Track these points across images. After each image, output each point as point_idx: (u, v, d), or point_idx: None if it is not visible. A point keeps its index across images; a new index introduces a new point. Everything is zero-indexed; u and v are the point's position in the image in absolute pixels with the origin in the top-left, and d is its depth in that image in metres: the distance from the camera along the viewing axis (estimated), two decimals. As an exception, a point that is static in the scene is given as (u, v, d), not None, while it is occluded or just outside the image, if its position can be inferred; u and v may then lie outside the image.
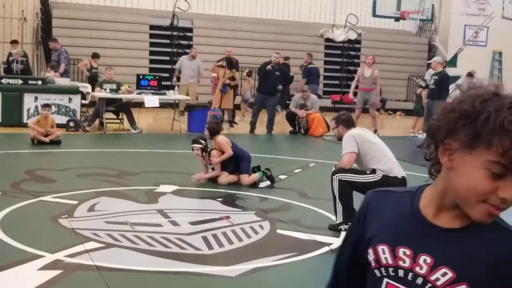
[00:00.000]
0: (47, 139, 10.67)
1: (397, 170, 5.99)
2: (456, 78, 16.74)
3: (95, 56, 16.61)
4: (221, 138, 8.08)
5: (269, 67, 14.38)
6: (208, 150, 8.05)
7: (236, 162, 8.08)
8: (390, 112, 23.05)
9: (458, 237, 1.37)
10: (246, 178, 7.97)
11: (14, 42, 16.96)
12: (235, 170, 8.08)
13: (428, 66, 16.91)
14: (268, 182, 8.16)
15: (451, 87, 16.41)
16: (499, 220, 1.38)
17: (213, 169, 8.08)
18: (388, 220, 1.46)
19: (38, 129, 10.79)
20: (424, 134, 10.83)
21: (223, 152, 7.96)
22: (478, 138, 1.29)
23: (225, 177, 7.94)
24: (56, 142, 10.77)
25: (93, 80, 15.30)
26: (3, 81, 12.91)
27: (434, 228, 1.39)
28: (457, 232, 1.37)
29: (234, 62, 16.16)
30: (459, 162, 1.33)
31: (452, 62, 21.56)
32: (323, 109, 18.14)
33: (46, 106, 11.42)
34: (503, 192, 1.29)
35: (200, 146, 7.95)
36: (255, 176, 8.03)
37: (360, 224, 1.52)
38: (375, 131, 14.12)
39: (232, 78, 14.75)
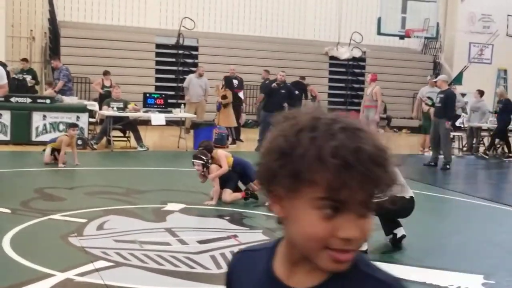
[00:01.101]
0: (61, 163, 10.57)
1: (405, 190, 5.99)
2: (463, 95, 16.78)
3: (106, 73, 16.68)
4: (220, 152, 8.07)
5: (274, 84, 14.46)
6: (209, 165, 7.95)
7: (241, 175, 8.06)
8: (395, 129, 23.07)
9: None
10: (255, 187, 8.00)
11: (24, 60, 17.11)
12: (236, 188, 8.09)
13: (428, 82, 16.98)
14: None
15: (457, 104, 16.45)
16: (365, 266, 1.18)
17: None
18: (246, 287, 1.29)
19: (62, 156, 10.50)
20: (431, 152, 10.84)
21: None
22: (298, 177, 1.09)
23: (229, 195, 7.90)
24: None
25: (106, 98, 15.35)
26: (12, 99, 13.00)
27: None
28: None
29: (238, 80, 16.27)
30: (290, 209, 1.13)
31: (458, 79, 21.60)
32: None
33: (74, 126, 11.25)
34: (343, 232, 1.09)
35: (201, 161, 7.83)
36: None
37: None
38: None
39: (224, 97, 14.92)
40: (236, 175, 8.02)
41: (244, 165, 8.07)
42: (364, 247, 5.72)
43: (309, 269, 1.17)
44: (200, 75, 16.44)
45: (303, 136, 1.10)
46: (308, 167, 1.08)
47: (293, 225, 1.14)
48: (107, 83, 16.43)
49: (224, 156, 8.00)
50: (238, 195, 8.03)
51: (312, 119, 1.13)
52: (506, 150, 16.23)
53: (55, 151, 10.63)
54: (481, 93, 16.79)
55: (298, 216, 1.12)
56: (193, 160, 7.90)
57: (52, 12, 20.07)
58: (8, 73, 14.98)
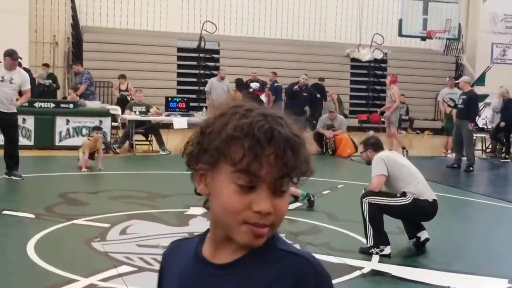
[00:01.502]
0: (89, 165, 10.72)
1: (427, 193, 5.96)
2: (485, 96, 16.61)
3: (122, 77, 16.82)
4: None
5: (296, 87, 14.47)
6: None
7: None
8: (418, 131, 22.92)
9: (235, 271, 1.26)
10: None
11: (45, 65, 17.29)
12: None
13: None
14: (297, 204, 8.20)
15: (480, 105, 16.30)
16: (281, 244, 1.29)
17: None
18: (175, 272, 1.37)
19: (87, 160, 10.66)
20: (454, 154, 10.75)
21: None
22: (216, 152, 1.22)
23: None
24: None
25: (122, 102, 15.48)
26: (36, 104, 13.16)
27: (212, 267, 1.29)
28: (234, 266, 1.27)
29: (260, 83, 16.30)
30: (212, 185, 1.25)
31: (480, 80, 21.40)
32: (350, 129, 18.11)
33: (98, 129, 11.36)
34: (256, 205, 1.20)
35: None
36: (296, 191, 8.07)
37: (159, 283, 1.46)
38: (403, 149, 14.10)
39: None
40: None
41: None
42: (387, 251, 5.72)
43: (232, 248, 1.27)
44: (222, 78, 16.49)
45: (221, 117, 1.24)
46: (225, 142, 1.21)
47: (214, 201, 1.26)
48: (123, 87, 16.57)
49: None
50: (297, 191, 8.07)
51: (235, 106, 1.26)
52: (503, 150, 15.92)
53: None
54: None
55: (218, 191, 1.23)
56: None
57: (75, 17, 20.29)
58: (33, 79, 15.20)
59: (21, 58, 9.24)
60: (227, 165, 1.21)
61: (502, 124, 15.50)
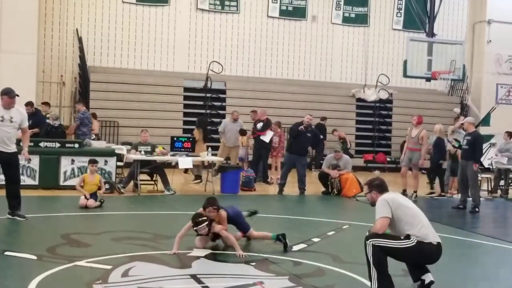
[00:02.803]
0: (93, 204, 10.82)
1: (432, 236, 5.92)
2: (490, 137, 16.61)
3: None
4: (223, 213, 7.80)
5: (301, 127, 14.47)
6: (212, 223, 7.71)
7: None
8: (423, 171, 22.81)
9: None
10: (253, 232, 8.07)
11: (45, 104, 17.29)
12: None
13: (454, 121, 16.83)
14: (302, 245, 8.15)
15: (485, 146, 16.29)
16: None
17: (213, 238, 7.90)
18: None
19: (83, 191, 10.93)
20: (459, 195, 10.70)
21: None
22: None
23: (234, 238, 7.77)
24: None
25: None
26: (41, 144, 13.22)
27: None
28: None
29: (264, 122, 16.33)
30: None
31: (486, 121, 21.43)
32: (356, 168, 18.13)
33: (94, 162, 11.49)
34: None
35: (206, 223, 7.51)
36: (265, 234, 8.16)
37: None
38: (404, 191, 13.98)
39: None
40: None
41: (235, 218, 8.00)
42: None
43: None
44: (235, 120, 16.56)
45: None
46: None
47: None
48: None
49: (225, 217, 7.79)
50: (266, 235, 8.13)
51: None
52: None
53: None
54: (510, 134, 16.60)
55: None
56: (197, 228, 7.51)
57: (82, 57, 20.53)
58: (45, 119, 15.28)
59: (18, 95, 9.26)
60: None
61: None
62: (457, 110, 22.16)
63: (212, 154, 14.53)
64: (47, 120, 15.11)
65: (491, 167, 16.95)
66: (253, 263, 7.11)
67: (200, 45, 22.55)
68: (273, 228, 8.66)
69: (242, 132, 15.63)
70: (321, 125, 19.55)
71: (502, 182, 16.47)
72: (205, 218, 7.56)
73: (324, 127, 19.70)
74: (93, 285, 5.85)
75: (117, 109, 20.09)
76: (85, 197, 10.85)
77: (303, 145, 14.54)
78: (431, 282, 6.06)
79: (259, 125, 16.35)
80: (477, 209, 12.64)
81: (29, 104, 14.85)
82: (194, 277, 6.35)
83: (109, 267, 6.56)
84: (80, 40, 20.71)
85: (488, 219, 12.63)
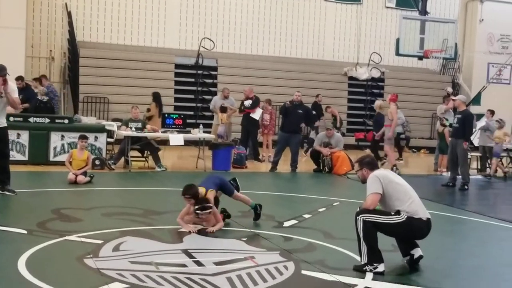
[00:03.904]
0: (83, 180, 10.79)
1: (422, 211, 5.95)
2: (480, 116, 16.67)
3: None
4: (210, 195, 7.58)
5: (287, 103, 14.48)
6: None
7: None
8: (414, 150, 22.93)
9: None
10: (238, 194, 8.09)
11: (37, 80, 16.99)
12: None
13: (444, 99, 16.93)
14: (293, 221, 8.18)
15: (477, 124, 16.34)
16: None
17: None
18: None
19: (72, 170, 10.89)
20: (449, 173, 10.81)
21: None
22: None
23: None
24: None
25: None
26: (31, 119, 13.14)
27: None
28: None
29: (253, 100, 16.26)
30: None
31: (476, 100, 21.48)
32: (347, 147, 18.18)
33: (84, 138, 11.41)
34: None
35: (210, 209, 7.37)
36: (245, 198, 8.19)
37: None
38: (392, 167, 14.13)
39: (148, 110, 16.19)
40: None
41: (222, 185, 7.95)
42: (381, 269, 5.69)
43: None
44: (225, 97, 16.47)
45: None
46: None
47: None
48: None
49: (212, 196, 7.61)
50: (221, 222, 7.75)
51: None
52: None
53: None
54: (492, 113, 16.67)
55: None
56: (201, 212, 7.32)
57: (71, 32, 20.33)
58: (35, 94, 15.14)
59: (8, 74, 9.18)
60: None
61: None
62: (450, 89, 22.17)
63: (204, 132, 14.47)
64: (38, 97, 15.00)
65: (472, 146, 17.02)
66: (245, 239, 7.13)
67: (192, 21, 22.40)
68: (264, 205, 8.67)
69: (222, 109, 15.52)
70: (317, 103, 19.50)
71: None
72: (208, 205, 7.34)
73: (319, 105, 19.65)
74: (84, 259, 5.85)
75: (107, 85, 19.97)
76: (74, 174, 10.82)
77: (295, 122, 14.52)
78: (420, 257, 6.12)
79: (247, 102, 16.29)
80: (466, 187, 12.73)
81: (19, 78, 14.71)
82: (185, 251, 6.36)
83: (100, 241, 6.56)
84: (69, 14, 20.50)
85: (477, 197, 12.72)
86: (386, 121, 15.32)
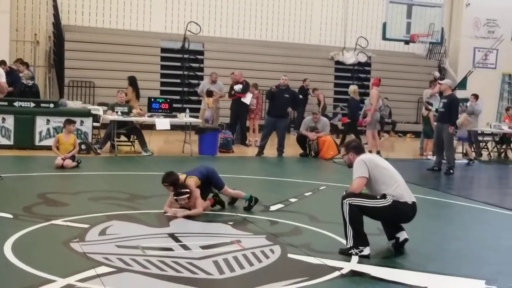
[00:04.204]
0: (70, 164, 10.74)
1: (407, 195, 5.99)
2: (467, 100, 16.76)
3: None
4: (191, 182, 7.51)
5: (273, 87, 14.49)
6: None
7: (209, 185, 7.83)
8: (400, 134, 23.04)
9: None
10: (228, 190, 7.87)
11: (22, 63, 16.81)
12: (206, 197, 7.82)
13: (430, 84, 17.00)
14: (279, 205, 8.21)
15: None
16: None
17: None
18: None
19: (60, 155, 10.84)
20: (434, 157, 10.90)
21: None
22: None
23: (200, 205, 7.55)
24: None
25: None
26: (16, 104, 13.04)
27: None
28: None
29: (243, 85, 16.23)
30: None
31: (462, 84, 21.58)
32: (333, 131, 18.21)
33: (70, 122, 11.39)
34: None
35: (187, 195, 7.36)
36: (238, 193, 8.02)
37: None
38: (378, 152, 14.22)
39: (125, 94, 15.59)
40: (206, 187, 7.78)
41: (209, 176, 7.80)
42: (367, 252, 5.74)
43: None
44: (213, 82, 16.42)
45: None
46: None
47: None
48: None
49: (194, 183, 7.53)
50: (208, 203, 7.77)
51: None
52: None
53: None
54: (476, 97, 16.77)
55: None
56: (177, 198, 7.37)
57: (56, 16, 20.13)
58: (19, 78, 15.02)
59: None
60: None
61: None
62: (437, 74, 22.28)
63: (190, 116, 14.43)
64: (23, 81, 14.89)
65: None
66: (231, 223, 7.16)
67: (178, 5, 22.24)
68: (251, 189, 8.70)
69: (208, 94, 15.46)
70: (304, 88, 19.50)
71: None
72: (184, 191, 7.35)
73: (306, 89, 19.67)
74: (70, 243, 5.84)
75: (93, 69, 19.83)
76: (62, 158, 10.79)
77: (281, 107, 14.52)
78: (405, 240, 6.17)
79: (238, 87, 16.26)
80: (451, 171, 12.82)
81: (2, 63, 14.58)
82: (171, 235, 6.38)
83: (86, 225, 6.55)
84: (54, -2, 20.32)
85: (462, 181, 12.82)
86: (368, 105, 15.41)
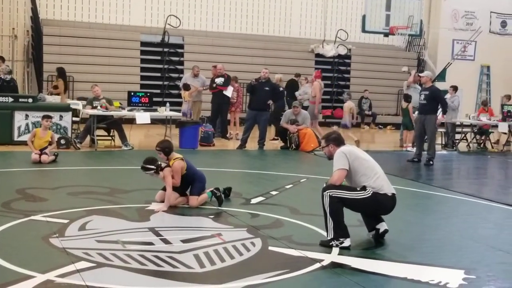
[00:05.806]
0: (47, 159, 10.64)
1: (387, 187, 6.02)
2: (445, 92, 16.89)
3: None
4: (177, 164, 7.52)
5: (253, 81, 14.50)
6: (162, 167, 7.49)
7: (189, 183, 7.71)
8: (380, 126, 23.16)
9: None
10: (194, 200, 7.57)
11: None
12: (184, 192, 7.71)
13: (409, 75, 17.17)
14: (260, 198, 8.20)
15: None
16: None
17: None
18: None
19: (34, 150, 10.76)
20: (414, 148, 10.97)
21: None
22: None
23: (196, 200, 7.58)
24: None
25: None
26: (-7, 99, 12.90)
27: None
28: None
29: (225, 78, 16.20)
30: None
31: (441, 76, 21.73)
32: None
33: (47, 117, 11.29)
34: None
35: (151, 172, 7.44)
36: (204, 196, 7.69)
37: None
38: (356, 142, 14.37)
39: (55, 87, 16.27)
40: (186, 182, 7.67)
41: (194, 177, 7.68)
42: (347, 243, 5.77)
43: None
44: (195, 75, 16.36)
45: None
46: None
47: None
48: None
49: (180, 169, 7.52)
50: (184, 199, 7.66)
51: None
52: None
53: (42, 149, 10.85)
54: (455, 89, 16.91)
55: None
56: (144, 172, 7.49)
57: (34, 10, 19.93)
58: None
59: None
60: None
61: None
62: (405, 68, 22.58)
63: (171, 110, 14.37)
64: (1, 75, 14.70)
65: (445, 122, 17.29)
66: (211, 216, 7.15)
67: (157, -2, 22.13)
68: (232, 182, 8.67)
69: (185, 87, 15.37)
70: (294, 82, 19.46)
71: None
72: (150, 167, 7.41)
73: (296, 83, 19.62)
74: (49, 239, 5.80)
75: (72, 63, 19.67)
76: (37, 153, 10.69)
77: (262, 100, 14.53)
78: (385, 231, 6.21)
79: (220, 80, 16.23)
80: (431, 162, 12.92)
81: (-19, 58, 14.41)
82: (152, 230, 6.35)
83: (66, 221, 6.51)
84: (32, -9, 20.10)
85: (442, 172, 12.92)
86: (311, 98, 15.81)
